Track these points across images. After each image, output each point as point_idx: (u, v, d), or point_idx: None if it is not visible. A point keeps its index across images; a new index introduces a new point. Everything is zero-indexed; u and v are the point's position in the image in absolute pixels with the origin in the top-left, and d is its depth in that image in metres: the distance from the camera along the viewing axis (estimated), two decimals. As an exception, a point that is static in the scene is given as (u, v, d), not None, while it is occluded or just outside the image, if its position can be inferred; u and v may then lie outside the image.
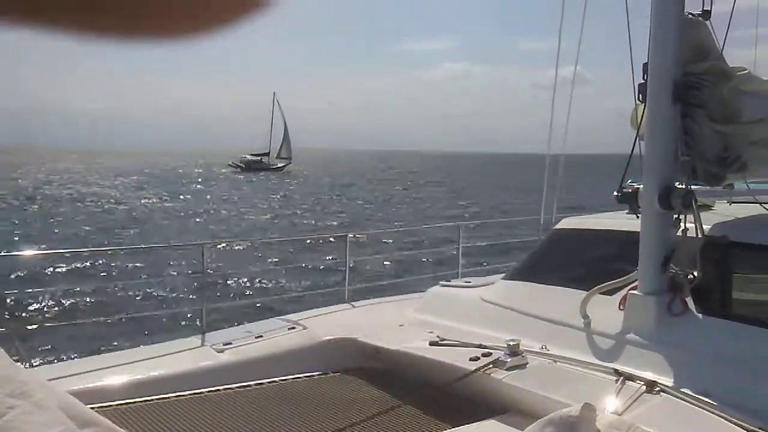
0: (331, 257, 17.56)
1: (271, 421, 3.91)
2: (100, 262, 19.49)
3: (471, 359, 4.18)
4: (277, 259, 20.61)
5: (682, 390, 3.47)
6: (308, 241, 23.21)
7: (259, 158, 79.90)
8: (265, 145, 79.41)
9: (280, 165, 79.22)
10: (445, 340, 4.64)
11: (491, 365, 4.07)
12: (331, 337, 5.10)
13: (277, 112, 78.17)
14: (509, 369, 4.01)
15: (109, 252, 22.69)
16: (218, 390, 4.37)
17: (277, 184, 62.42)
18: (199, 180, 68.80)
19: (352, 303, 6.24)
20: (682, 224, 4.15)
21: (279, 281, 16.96)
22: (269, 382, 4.56)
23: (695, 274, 4.07)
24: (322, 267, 17.59)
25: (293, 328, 5.27)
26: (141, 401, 4.10)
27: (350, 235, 7.66)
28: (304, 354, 4.93)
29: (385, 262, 17.48)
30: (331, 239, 17.58)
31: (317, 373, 4.79)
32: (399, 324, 5.29)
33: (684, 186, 4.13)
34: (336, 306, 6.21)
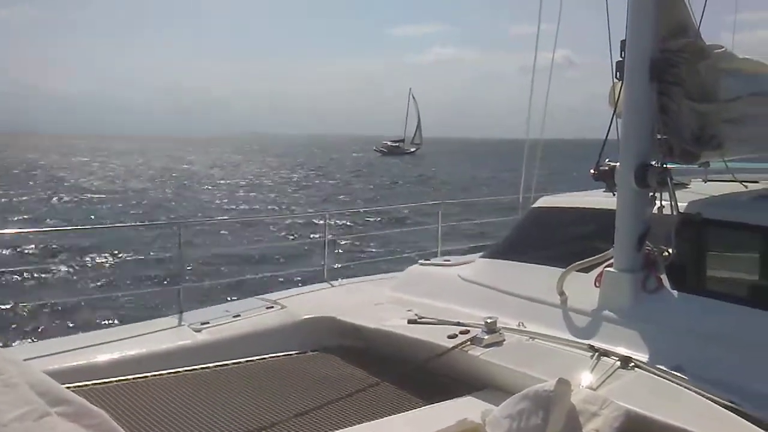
0: (310, 236, 17.52)
1: (249, 399, 3.90)
2: (78, 241, 19.28)
3: (449, 337, 4.19)
4: (256, 237, 20.53)
5: (656, 365, 3.51)
6: (287, 221, 23.14)
7: (396, 144, 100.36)
8: (400, 133, 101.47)
9: (412, 149, 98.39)
10: (423, 318, 4.65)
11: (469, 342, 4.09)
12: (310, 316, 5.09)
13: (411, 104, 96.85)
14: (486, 346, 4.04)
15: (86, 230, 22.42)
16: (196, 369, 4.35)
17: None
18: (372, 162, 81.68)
19: (331, 282, 6.22)
20: (657, 202, 4.18)
21: (257, 260, 16.88)
22: (247, 361, 4.55)
23: (670, 251, 4.11)
24: (301, 245, 17.55)
25: (271, 307, 5.25)
26: (118, 380, 4.07)
27: (328, 214, 7.67)
28: (282, 333, 4.91)
29: (364, 241, 17.46)
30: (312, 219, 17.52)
31: (295, 351, 4.78)
32: (377, 303, 5.29)
33: (660, 164, 4.15)
34: (315, 285, 6.19)
